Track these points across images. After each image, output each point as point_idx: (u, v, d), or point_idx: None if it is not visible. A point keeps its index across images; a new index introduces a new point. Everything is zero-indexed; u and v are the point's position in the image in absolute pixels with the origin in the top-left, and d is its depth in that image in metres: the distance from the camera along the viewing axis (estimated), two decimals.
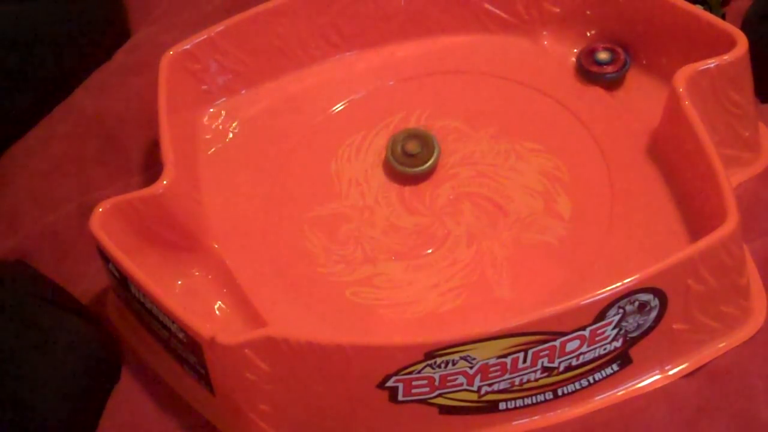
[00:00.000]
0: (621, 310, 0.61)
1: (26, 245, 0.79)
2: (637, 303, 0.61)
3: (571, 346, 0.62)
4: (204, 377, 0.65)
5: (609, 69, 0.80)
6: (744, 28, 0.81)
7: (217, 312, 0.72)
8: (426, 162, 0.77)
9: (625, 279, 0.61)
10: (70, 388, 0.67)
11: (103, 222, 0.68)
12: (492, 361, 0.61)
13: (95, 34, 0.91)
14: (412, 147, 0.78)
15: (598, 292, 0.60)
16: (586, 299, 0.60)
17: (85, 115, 0.87)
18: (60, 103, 0.88)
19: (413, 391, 0.62)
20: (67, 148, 0.85)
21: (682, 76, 0.71)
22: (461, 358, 0.60)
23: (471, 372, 0.61)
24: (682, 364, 0.66)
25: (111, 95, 0.88)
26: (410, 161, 0.77)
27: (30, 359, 0.66)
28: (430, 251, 0.74)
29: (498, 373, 0.62)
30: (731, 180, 0.73)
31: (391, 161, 0.77)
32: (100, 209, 0.68)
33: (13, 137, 0.87)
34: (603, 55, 0.80)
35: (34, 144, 0.86)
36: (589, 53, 0.81)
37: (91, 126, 0.86)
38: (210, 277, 0.73)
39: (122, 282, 0.67)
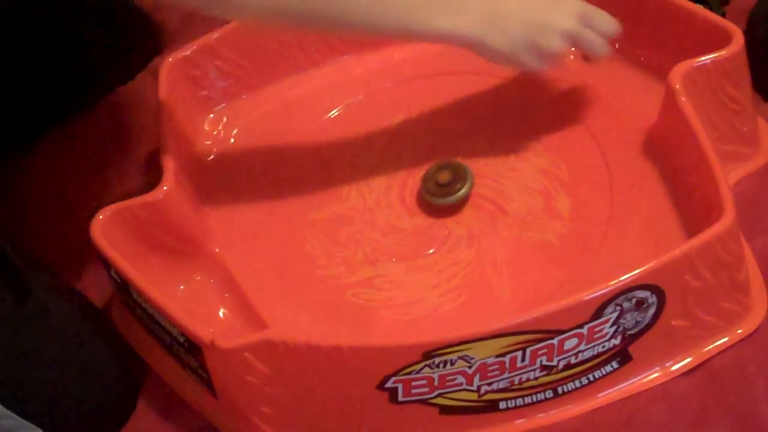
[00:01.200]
0: (618, 308, 0.61)
1: (39, 251, 0.79)
2: (634, 300, 0.62)
3: (569, 344, 0.62)
4: (206, 380, 0.65)
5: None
6: (749, 27, 0.81)
7: (219, 315, 0.72)
8: (458, 191, 0.75)
9: (621, 276, 0.61)
10: (91, 407, 0.67)
11: (104, 228, 0.68)
12: (490, 360, 0.61)
13: (125, 51, 0.92)
14: (444, 177, 0.76)
15: (594, 289, 0.60)
16: (583, 297, 0.60)
17: (86, 121, 0.88)
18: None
19: (413, 391, 0.62)
20: (80, 154, 0.86)
21: (678, 73, 0.71)
22: (459, 357, 0.60)
23: (470, 371, 0.61)
24: (682, 361, 0.66)
25: (112, 101, 0.89)
26: (442, 191, 0.76)
27: (61, 363, 0.67)
28: (430, 252, 0.74)
29: (497, 373, 0.62)
30: (731, 175, 0.73)
31: (425, 196, 0.76)
32: (101, 216, 0.69)
33: (27, 144, 0.87)
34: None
35: (49, 150, 0.87)
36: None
37: (92, 132, 0.87)
38: (212, 281, 0.74)
39: (124, 287, 0.68)
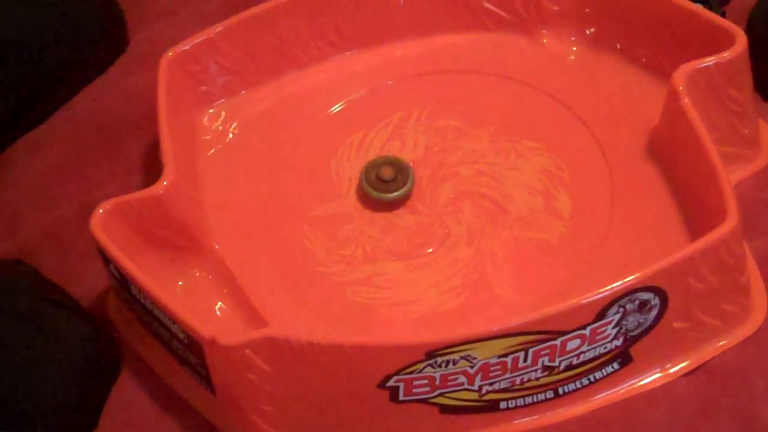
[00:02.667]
0: (621, 309, 0.61)
1: (26, 245, 0.79)
2: (637, 302, 0.62)
3: (571, 345, 0.62)
4: (205, 378, 0.65)
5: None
6: (749, 27, 0.81)
7: (217, 312, 0.72)
8: (400, 189, 0.76)
9: (625, 278, 0.61)
10: (69, 387, 0.67)
11: (104, 223, 0.68)
12: (493, 361, 0.61)
13: (95, 38, 0.91)
14: (387, 173, 0.76)
15: (598, 291, 0.60)
16: (586, 298, 0.60)
17: (85, 116, 0.87)
18: (59, 106, 0.88)
19: (414, 390, 0.62)
20: (66, 148, 0.85)
21: (680, 75, 0.71)
22: (462, 357, 0.60)
23: (472, 371, 0.61)
24: (683, 362, 0.66)
25: (111, 95, 0.88)
26: (384, 187, 0.76)
27: (28, 358, 0.67)
28: (430, 250, 0.74)
29: (499, 373, 0.62)
30: (732, 177, 0.73)
31: (366, 188, 0.76)
32: (100, 210, 0.68)
33: (13, 138, 0.87)
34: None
35: (34, 144, 0.86)
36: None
37: (91, 126, 0.86)
38: (210, 277, 0.73)
39: (123, 283, 0.67)
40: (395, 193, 0.76)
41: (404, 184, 0.76)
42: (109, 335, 0.72)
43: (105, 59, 0.91)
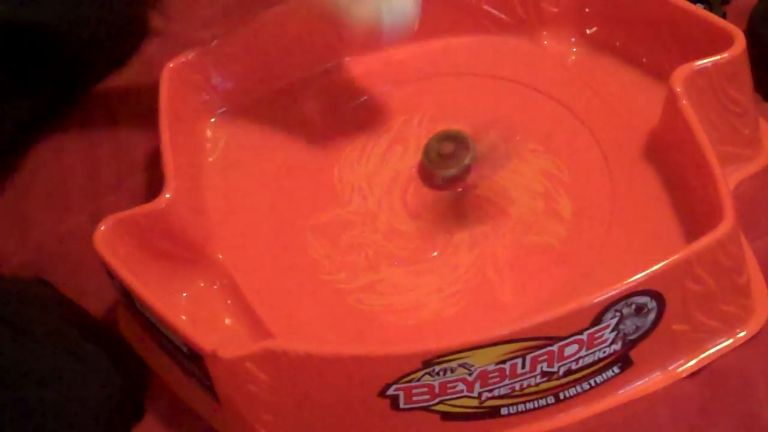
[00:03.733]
0: (618, 314, 0.61)
1: (38, 257, 0.80)
2: (634, 306, 0.62)
3: (569, 350, 0.62)
4: (209, 388, 0.65)
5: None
6: (749, 27, 0.80)
7: (224, 322, 0.72)
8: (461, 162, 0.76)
9: (619, 282, 0.61)
10: (96, 422, 0.66)
11: (107, 238, 0.68)
12: (490, 368, 0.61)
13: (116, 36, 0.91)
14: (446, 148, 0.77)
15: (592, 296, 0.60)
16: (581, 304, 0.60)
17: (96, 125, 0.88)
18: (73, 104, 0.89)
19: (414, 398, 0.62)
20: (77, 158, 0.86)
21: (679, 76, 0.71)
22: (459, 365, 0.60)
23: (470, 379, 0.61)
24: (684, 364, 0.66)
25: (120, 103, 0.89)
26: (444, 162, 0.76)
27: (59, 381, 0.66)
28: (432, 255, 0.74)
29: (497, 379, 0.62)
30: (732, 177, 0.73)
31: (426, 165, 0.77)
32: (103, 227, 0.69)
33: (25, 145, 0.88)
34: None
35: (45, 154, 0.87)
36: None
37: (102, 135, 0.87)
38: (215, 287, 0.74)
39: (128, 297, 0.68)
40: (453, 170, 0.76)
41: (464, 159, 0.76)
42: (134, 353, 0.72)
43: (126, 47, 0.92)
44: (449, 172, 0.76)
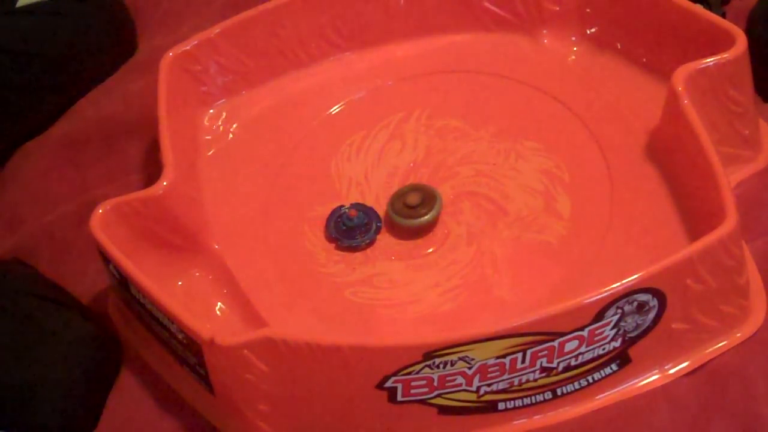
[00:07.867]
0: (619, 311, 0.61)
1: (26, 245, 0.79)
2: (635, 303, 0.61)
3: (569, 346, 0.61)
4: (204, 377, 0.65)
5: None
6: (749, 27, 0.81)
7: (217, 312, 0.72)
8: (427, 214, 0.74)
9: (623, 279, 0.60)
10: (70, 385, 0.67)
11: (103, 223, 0.68)
12: (491, 362, 0.61)
13: (104, 47, 0.91)
14: (413, 199, 0.75)
15: (596, 292, 0.60)
16: (584, 300, 0.60)
17: (85, 117, 0.87)
18: (63, 109, 0.88)
19: (412, 391, 0.62)
20: (66, 149, 0.85)
21: (680, 75, 0.71)
22: (460, 358, 0.60)
23: (470, 372, 0.61)
24: (681, 363, 0.66)
25: (111, 97, 0.89)
26: (410, 213, 0.74)
27: (29, 357, 0.67)
28: (430, 251, 0.74)
29: (497, 374, 0.62)
30: (732, 178, 0.73)
31: (392, 215, 0.75)
32: (100, 210, 0.68)
33: (14, 139, 0.87)
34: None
35: (34, 145, 0.86)
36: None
37: (90, 127, 0.86)
38: (210, 277, 0.73)
39: (122, 283, 0.67)
40: (422, 219, 0.74)
41: (431, 210, 0.74)
42: (110, 334, 0.72)
43: (115, 64, 0.92)
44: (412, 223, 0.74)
